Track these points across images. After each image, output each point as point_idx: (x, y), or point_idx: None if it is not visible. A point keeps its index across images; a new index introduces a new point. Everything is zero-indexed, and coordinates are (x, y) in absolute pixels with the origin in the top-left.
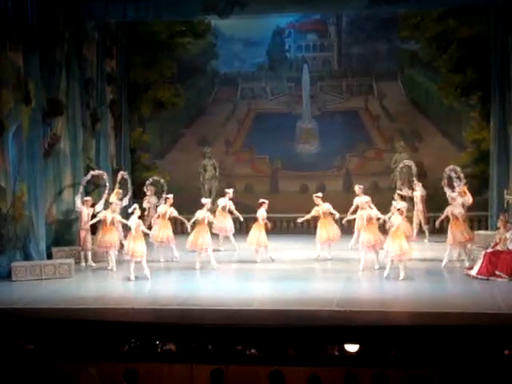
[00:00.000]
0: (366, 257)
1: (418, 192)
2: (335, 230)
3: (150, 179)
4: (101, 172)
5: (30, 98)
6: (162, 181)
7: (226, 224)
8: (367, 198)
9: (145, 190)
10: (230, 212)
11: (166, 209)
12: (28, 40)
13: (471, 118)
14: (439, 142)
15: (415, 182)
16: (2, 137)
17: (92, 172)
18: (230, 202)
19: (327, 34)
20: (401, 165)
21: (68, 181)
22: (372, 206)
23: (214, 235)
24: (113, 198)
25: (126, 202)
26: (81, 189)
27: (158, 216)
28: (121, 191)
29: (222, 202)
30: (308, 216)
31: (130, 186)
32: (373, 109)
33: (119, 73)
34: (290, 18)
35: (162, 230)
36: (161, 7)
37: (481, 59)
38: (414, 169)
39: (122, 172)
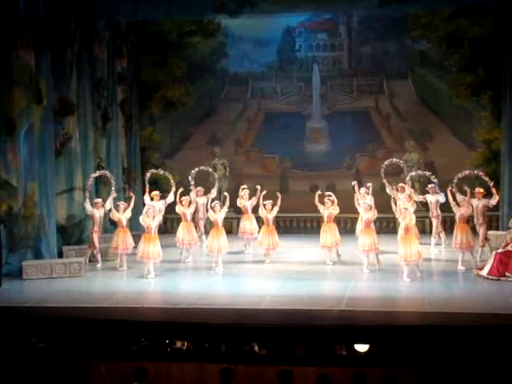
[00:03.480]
0: (368, 259)
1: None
2: (337, 235)
3: (193, 171)
4: (102, 172)
5: (41, 98)
6: (210, 170)
7: (251, 227)
8: (369, 201)
9: (192, 183)
10: (255, 209)
11: (184, 210)
12: (39, 40)
13: (482, 118)
14: (450, 141)
15: (402, 185)
16: (13, 136)
17: (93, 174)
18: (250, 202)
19: (337, 34)
20: (387, 162)
21: (79, 180)
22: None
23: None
24: (146, 199)
25: (171, 198)
26: (87, 194)
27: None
28: (158, 193)
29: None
30: (316, 201)
31: (172, 181)
32: (383, 108)
33: (129, 72)
34: (300, 18)
35: (189, 233)
36: (171, 7)
37: (492, 58)
38: (405, 170)
39: (152, 170)
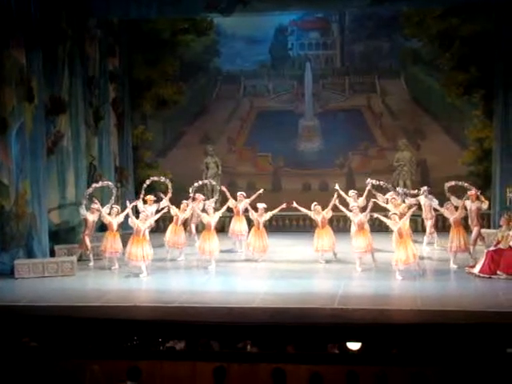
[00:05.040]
0: (361, 260)
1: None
2: (333, 238)
3: (196, 184)
4: (104, 183)
5: (32, 96)
6: (213, 183)
7: (240, 228)
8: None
9: (191, 195)
10: (247, 210)
11: (178, 213)
12: (31, 38)
13: (474, 116)
14: (442, 140)
15: (392, 195)
16: (5, 135)
17: (95, 185)
18: (242, 204)
19: (330, 32)
20: (368, 181)
21: (71, 178)
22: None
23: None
24: (140, 205)
25: (165, 204)
26: (84, 201)
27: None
28: (152, 197)
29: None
30: (304, 210)
31: (170, 187)
32: (375, 107)
33: (122, 71)
34: (292, 16)
35: (176, 236)
36: (163, 5)
37: (484, 57)
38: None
39: (152, 178)
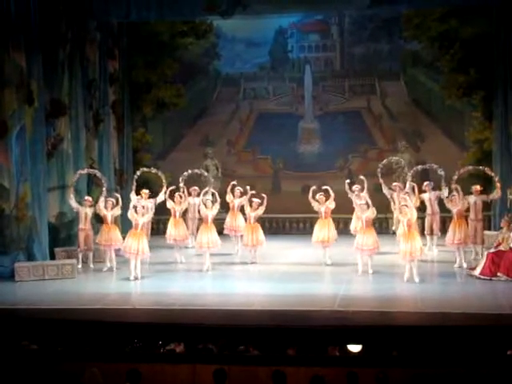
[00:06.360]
0: (363, 260)
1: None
2: (334, 232)
3: (185, 173)
4: (91, 171)
5: (32, 99)
6: (206, 174)
7: (236, 223)
8: (363, 201)
9: (181, 185)
10: (242, 209)
11: (175, 206)
12: (30, 41)
13: (474, 118)
14: (442, 142)
15: (398, 184)
16: (5, 138)
17: (80, 171)
18: (239, 200)
19: (329, 35)
20: (385, 161)
21: (71, 181)
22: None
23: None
24: (133, 198)
25: (161, 197)
26: (72, 190)
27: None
28: (147, 191)
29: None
30: (312, 201)
31: (163, 181)
32: (375, 109)
33: (121, 73)
34: (292, 19)
35: (177, 229)
36: (163, 7)
37: (483, 59)
38: (406, 166)
39: (143, 168)
